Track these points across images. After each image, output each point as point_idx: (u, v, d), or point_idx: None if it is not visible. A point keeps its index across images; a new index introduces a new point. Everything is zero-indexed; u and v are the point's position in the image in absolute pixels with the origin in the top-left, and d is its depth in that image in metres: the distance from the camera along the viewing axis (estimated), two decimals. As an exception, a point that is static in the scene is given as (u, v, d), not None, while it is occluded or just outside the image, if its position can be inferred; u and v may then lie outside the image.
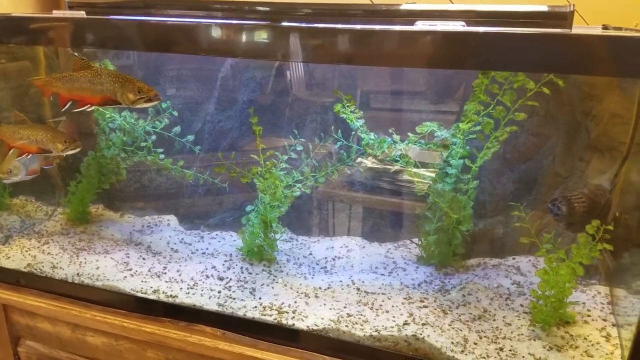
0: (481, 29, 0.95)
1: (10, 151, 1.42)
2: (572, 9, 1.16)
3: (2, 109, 1.66)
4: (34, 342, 1.48)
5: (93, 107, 1.30)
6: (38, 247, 1.53)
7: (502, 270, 1.40)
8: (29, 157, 1.43)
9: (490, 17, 1.14)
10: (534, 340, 1.14)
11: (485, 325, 1.19)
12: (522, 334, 1.16)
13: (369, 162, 1.56)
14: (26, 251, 1.52)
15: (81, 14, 1.28)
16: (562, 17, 1.16)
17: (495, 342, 1.14)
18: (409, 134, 1.28)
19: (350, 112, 1.32)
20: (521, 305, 1.26)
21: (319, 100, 1.59)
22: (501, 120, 1.21)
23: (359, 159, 1.49)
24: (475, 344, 1.14)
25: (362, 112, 1.30)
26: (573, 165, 1.37)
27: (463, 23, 0.99)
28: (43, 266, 1.45)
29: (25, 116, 1.47)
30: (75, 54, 1.31)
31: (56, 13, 1.34)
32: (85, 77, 1.26)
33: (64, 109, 1.30)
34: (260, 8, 1.39)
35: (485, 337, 1.16)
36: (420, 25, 1.00)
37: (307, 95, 1.64)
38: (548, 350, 1.11)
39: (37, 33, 1.28)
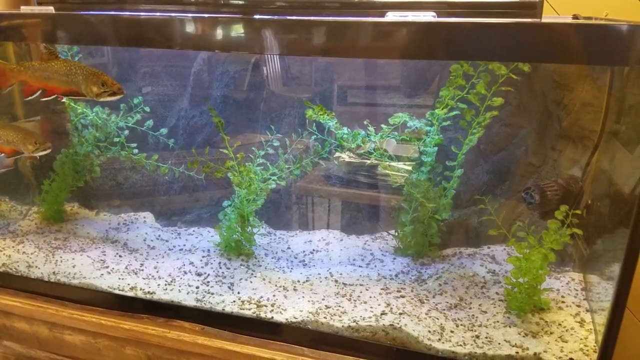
0: (451, 20, 0.96)
1: None
2: (541, -1, 1.17)
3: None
4: (11, 342, 1.46)
5: (64, 100, 1.29)
6: (13, 247, 1.51)
7: (477, 259, 1.42)
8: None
9: (461, 8, 1.15)
10: (510, 327, 1.16)
11: (462, 313, 1.21)
12: (497, 322, 1.18)
13: (346, 157, 1.56)
14: (0, 251, 1.49)
15: (50, 9, 1.26)
16: (532, 7, 1.17)
17: (472, 330, 1.15)
18: (382, 125, 1.28)
19: (322, 115, 1.32)
20: (496, 293, 1.27)
21: (295, 95, 1.59)
22: (480, 106, 1.22)
23: (337, 154, 1.49)
24: (451, 332, 1.15)
25: (334, 114, 1.30)
26: (545, 154, 1.39)
27: (434, 14, 0.99)
28: (18, 265, 1.43)
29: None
30: (43, 44, 1.29)
31: (24, 9, 1.31)
32: (52, 68, 1.25)
33: (28, 99, 1.30)
34: (234, 1, 1.38)
35: (461, 325, 1.17)
36: (391, 17, 1.00)
37: (282, 91, 1.64)
38: (523, 336, 1.13)
39: (5, 30, 1.25)
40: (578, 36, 0.88)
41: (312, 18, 0.99)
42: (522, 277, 1.17)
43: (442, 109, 1.21)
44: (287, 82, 1.65)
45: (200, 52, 1.60)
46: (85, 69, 1.24)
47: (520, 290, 1.18)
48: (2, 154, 1.42)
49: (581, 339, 1.12)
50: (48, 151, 1.38)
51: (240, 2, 1.37)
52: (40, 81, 1.28)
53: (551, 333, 1.14)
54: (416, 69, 1.49)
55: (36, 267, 1.42)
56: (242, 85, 1.63)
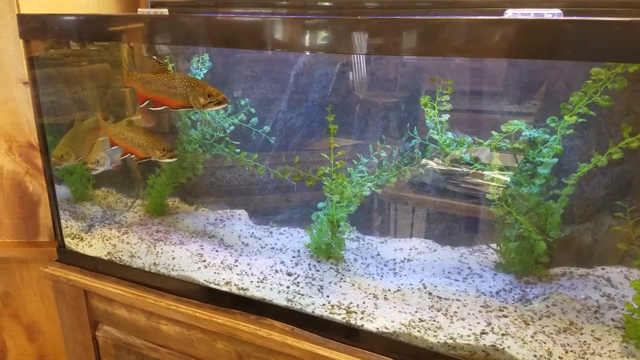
0: (581, 18, 0.88)
1: (96, 142, 1.50)
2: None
3: (88, 106, 1.75)
4: (111, 328, 1.54)
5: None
6: (118, 237, 1.61)
7: (590, 281, 1.29)
8: (113, 148, 1.50)
9: (587, 6, 1.06)
10: (627, 357, 1.04)
11: (572, 338, 1.10)
12: (613, 350, 1.07)
13: (434, 164, 1.50)
14: (107, 240, 1.59)
15: (164, 12, 1.33)
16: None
17: (583, 358, 1.05)
18: (493, 132, 1.21)
19: (441, 103, 1.23)
20: (612, 320, 1.15)
21: (389, 100, 1.56)
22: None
23: (424, 160, 1.43)
24: (560, 358, 1.05)
25: (450, 106, 1.22)
26: (676, 169, 1.25)
27: (560, 11, 0.92)
28: (122, 255, 1.52)
29: (109, 115, 1.54)
30: (154, 57, 1.35)
31: (141, 11, 1.40)
32: (162, 81, 1.30)
33: (141, 105, 1.37)
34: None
35: (571, 351, 1.07)
36: (511, 14, 0.94)
37: (373, 96, 1.61)
38: (644, 370, 1.01)
39: (126, 31, 1.33)
40: None
41: (430, 17, 0.95)
42: (648, 304, 1.05)
43: (571, 116, 1.11)
44: (380, 87, 1.62)
45: (300, 56, 1.62)
46: (192, 80, 1.27)
47: (643, 319, 1.06)
48: (125, 155, 1.50)
49: None
50: (174, 160, 1.43)
51: (376, 5, 1.33)
52: (149, 92, 1.33)
53: (679, 370, 1.01)
54: (518, 73, 1.39)
55: (138, 257, 1.50)
56: (339, 89, 1.63)
